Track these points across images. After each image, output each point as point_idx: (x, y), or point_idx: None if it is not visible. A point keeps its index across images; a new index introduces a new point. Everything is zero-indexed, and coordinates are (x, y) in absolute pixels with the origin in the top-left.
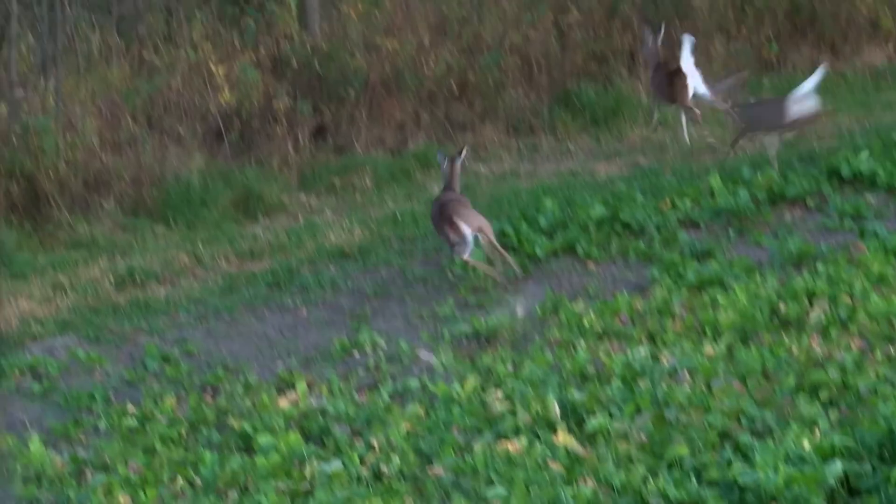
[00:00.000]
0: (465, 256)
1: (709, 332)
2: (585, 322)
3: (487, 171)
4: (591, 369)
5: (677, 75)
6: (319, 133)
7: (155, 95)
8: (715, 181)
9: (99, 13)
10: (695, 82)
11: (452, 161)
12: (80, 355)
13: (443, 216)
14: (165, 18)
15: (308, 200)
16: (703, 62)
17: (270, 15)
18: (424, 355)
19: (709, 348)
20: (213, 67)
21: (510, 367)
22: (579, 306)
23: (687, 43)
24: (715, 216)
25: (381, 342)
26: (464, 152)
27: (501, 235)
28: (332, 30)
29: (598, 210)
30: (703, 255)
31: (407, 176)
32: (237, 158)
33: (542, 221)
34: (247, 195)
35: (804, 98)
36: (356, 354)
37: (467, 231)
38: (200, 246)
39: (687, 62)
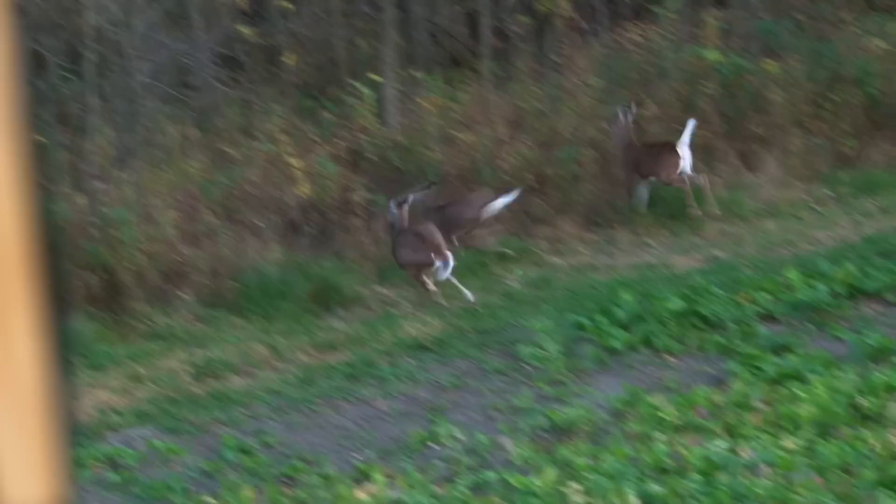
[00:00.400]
0: (446, 277)
1: (788, 426)
2: (663, 415)
3: (564, 263)
4: (669, 462)
5: (670, 151)
6: None
7: (233, 188)
8: (793, 275)
9: (177, 106)
10: (685, 163)
11: (401, 206)
12: (158, 446)
13: (426, 243)
14: (243, 111)
15: (385, 292)
16: (781, 157)
17: (348, 108)
18: (505, 443)
19: (788, 442)
20: (290, 160)
21: (588, 460)
22: (657, 399)
23: (689, 126)
24: (793, 310)
25: (459, 434)
26: (409, 198)
27: (579, 328)
28: (409, 123)
29: (676, 303)
30: (781, 349)
31: (484, 268)
32: (314, 251)
33: (620, 314)
34: (324, 287)
35: (496, 206)
36: (434, 446)
37: (450, 254)
38: (278, 338)
39: (684, 143)
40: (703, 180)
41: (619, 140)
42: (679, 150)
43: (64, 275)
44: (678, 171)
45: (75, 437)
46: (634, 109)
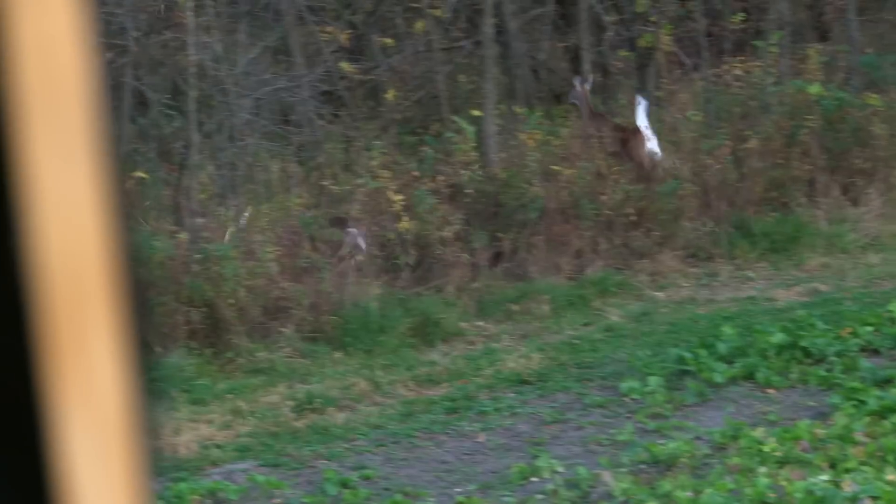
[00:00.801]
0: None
1: (891, 459)
2: (766, 448)
3: (666, 297)
4: (771, 496)
5: (634, 135)
6: (496, 260)
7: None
8: None
9: (278, 142)
10: (652, 143)
11: None
12: (259, 480)
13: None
14: (344, 147)
15: (485, 326)
16: (884, 190)
17: (448, 143)
18: (606, 477)
19: (891, 475)
20: (391, 195)
21: (690, 494)
22: (759, 433)
23: (641, 104)
24: None
25: (560, 468)
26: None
27: (680, 361)
28: (509, 158)
29: (778, 337)
30: (884, 382)
31: (584, 302)
32: (415, 285)
33: (722, 348)
34: (424, 322)
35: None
36: (534, 480)
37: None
38: (378, 372)
39: (642, 123)
40: (669, 161)
41: (583, 110)
42: (642, 131)
43: (149, 303)
44: (646, 152)
45: (160, 467)
46: (590, 78)
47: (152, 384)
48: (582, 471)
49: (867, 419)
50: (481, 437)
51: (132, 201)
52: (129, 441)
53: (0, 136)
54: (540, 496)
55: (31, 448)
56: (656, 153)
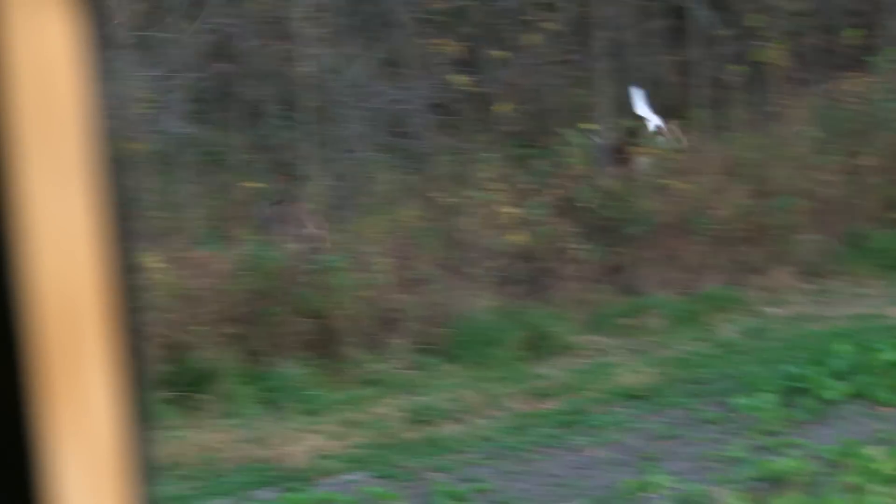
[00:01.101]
0: None
1: None
2: (879, 467)
3: (778, 313)
4: None
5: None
6: (608, 274)
7: (446, 235)
8: None
9: (390, 154)
10: (651, 124)
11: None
12: (371, 491)
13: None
14: (456, 159)
15: (597, 340)
16: None
17: (560, 156)
18: (718, 493)
19: None
20: (502, 208)
21: None
22: (872, 451)
23: (637, 94)
24: None
25: (671, 483)
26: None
27: (793, 378)
28: (622, 171)
29: (892, 354)
30: None
31: (696, 318)
32: (526, 298)
33: (835, 365)
34: (536, 335)
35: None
36: (646, 495)
37: None
38: (490, 384)
39: (642, 110)
40: (670, 128)
41: (605, 157)
42: (642, 116)
43: (141, 326)
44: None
45: (154, 495)
46: (602, 132)
47: (146, 412)
48: (693, 487)
49: None
50: (592, 452)
51: (136, 226)
52: (122, 469)
53: None
54: None
55: (23, 477)
56: (661, 128)
